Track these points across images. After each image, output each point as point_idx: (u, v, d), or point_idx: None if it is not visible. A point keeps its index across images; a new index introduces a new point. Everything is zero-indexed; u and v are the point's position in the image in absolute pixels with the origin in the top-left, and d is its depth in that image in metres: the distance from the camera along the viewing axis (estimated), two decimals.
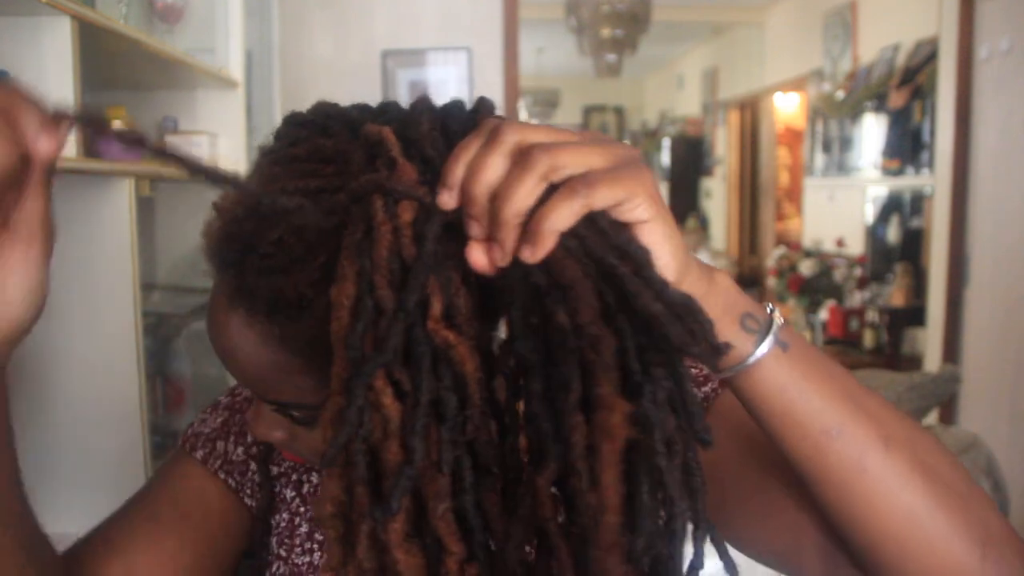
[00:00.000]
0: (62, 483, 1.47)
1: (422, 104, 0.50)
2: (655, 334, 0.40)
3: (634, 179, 0.40)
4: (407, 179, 0.44)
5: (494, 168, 0.40)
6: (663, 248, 0.41)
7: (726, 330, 0.45)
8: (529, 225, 0.39)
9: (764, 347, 0.45)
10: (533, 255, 0.39)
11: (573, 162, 0.39)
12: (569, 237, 0.40)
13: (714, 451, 0.63)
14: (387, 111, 0.52)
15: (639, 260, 0.41)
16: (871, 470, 0.45)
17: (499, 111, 0.50)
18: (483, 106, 0.49)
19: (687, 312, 0.41)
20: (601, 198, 0.39)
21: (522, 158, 0.39)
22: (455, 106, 0.49)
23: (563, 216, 0.39)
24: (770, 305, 0.47)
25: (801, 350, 0.46)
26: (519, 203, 0.39)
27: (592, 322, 0.39)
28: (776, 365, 0.45)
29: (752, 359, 0.45)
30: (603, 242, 0.40)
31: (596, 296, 0.40)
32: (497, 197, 0.39)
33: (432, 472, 0.42)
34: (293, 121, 0.54)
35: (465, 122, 0.48)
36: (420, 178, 0.45)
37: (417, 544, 0.42)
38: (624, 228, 0.41)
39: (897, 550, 0.46)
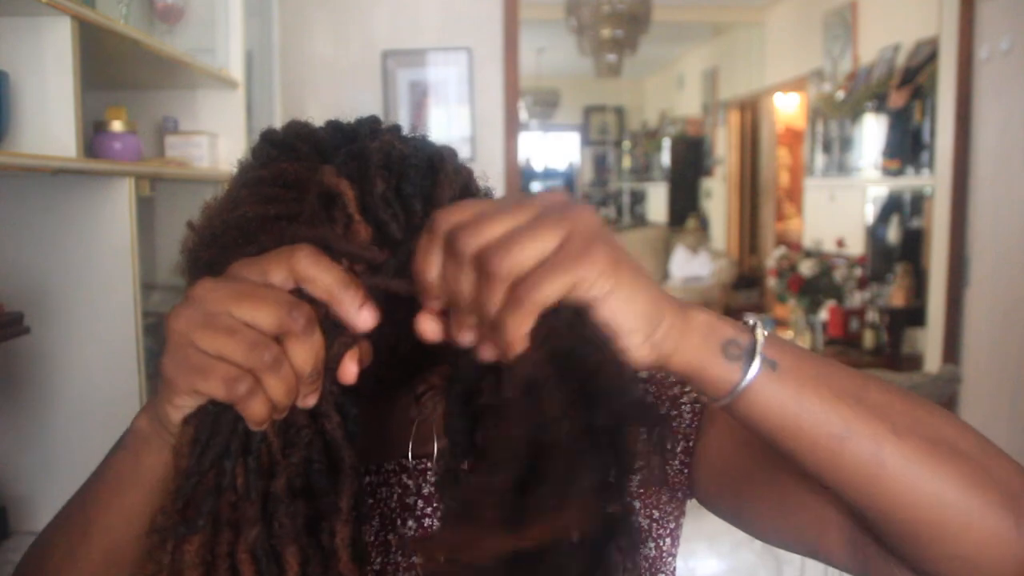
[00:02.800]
0: (62, 483, 1.47)
1: (379, 156, 0.51)
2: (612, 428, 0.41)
3: (583, 256, 0.40)
4: (361, 239, 0.47)
5: (467, 286, 0.41)
6: (626, 317, 0.41)
7: (710, 363, 0.44)
8: (497, 334, 0.41)
9: (752, 371, 0.44)
10: (512, 355, 0.41)
11: (529, 256, 0.40)
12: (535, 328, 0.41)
13: (723, 455, 0.63)
14: (358, 132, 0.54)
15: (606, 353, 0.41)
16: (889, 463, 0.45)
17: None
18: (442, 167, 0.52)
19: (645, 414, 0.42)
20: (549, 294, 0.40)
21: (485, 266, 0.40)
22: (411, 164, 0.51)
23: (520, 323, 0.40)
24: (751, 320, 0.46)
25: (791, 361, 0.46)
26: (492, 311, 0.41)
27: (564, 417, 0.40)
28: (769, 384, 0.45)
29: (742, 386, 0.44)
30: (571, 334, 0.41)
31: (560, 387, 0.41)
32: (478, 308, 0.41)
33: (240, 500, 0.43)
34: (268, 139, 0.56)
35: (420, 186, 0.50)
36: (373, 238, 0.47)
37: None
38: (587, 316, 0.41)
39: (936, 534, 0.46)
